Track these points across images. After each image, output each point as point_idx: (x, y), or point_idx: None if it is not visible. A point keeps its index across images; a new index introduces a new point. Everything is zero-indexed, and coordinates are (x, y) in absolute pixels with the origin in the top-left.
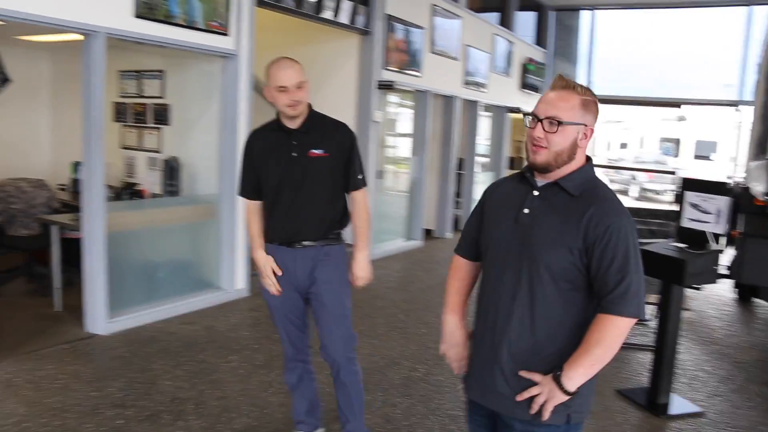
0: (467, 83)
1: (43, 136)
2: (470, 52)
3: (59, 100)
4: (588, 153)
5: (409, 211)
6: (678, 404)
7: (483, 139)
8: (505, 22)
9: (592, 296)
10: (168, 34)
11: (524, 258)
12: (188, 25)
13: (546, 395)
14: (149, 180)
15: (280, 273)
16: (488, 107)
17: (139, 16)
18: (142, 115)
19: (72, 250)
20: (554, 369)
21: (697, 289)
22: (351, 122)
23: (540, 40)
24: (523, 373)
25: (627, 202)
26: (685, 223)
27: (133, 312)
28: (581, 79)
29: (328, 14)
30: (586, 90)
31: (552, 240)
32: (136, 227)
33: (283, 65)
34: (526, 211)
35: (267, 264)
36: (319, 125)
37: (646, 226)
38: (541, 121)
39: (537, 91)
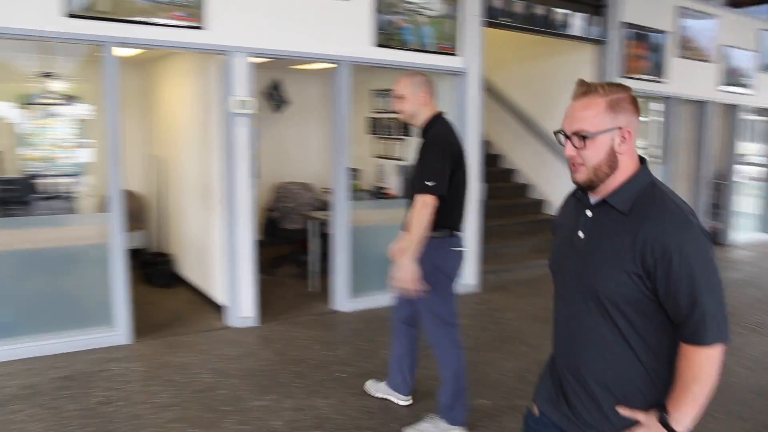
0: (725, 86)
1: (313, 148)
2: (728, 52)
3: (326, 117)
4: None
5: None
6: None
7: (756, 147)
8: None
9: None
10: (403, 58)
11: (585, 288)
12: (421, 49)
13: None
14: (394, 184)
15: None
16: (758, 111)
17: (378, 45)
18: (389, 128)
19: (328, 243)
20: (654, 403)
21: None
22: None
23: None
24: (624, 411)
25: None
26: None
27: (370, 295)
28: None
29: (559, 28)
30: (614, 87)
31: (609, 269)
32: (379, 223)
33: (399, 78)
34: (580, 234)
35: None
36: (423, 134)
37: None
38: (569, 138)
39: None
